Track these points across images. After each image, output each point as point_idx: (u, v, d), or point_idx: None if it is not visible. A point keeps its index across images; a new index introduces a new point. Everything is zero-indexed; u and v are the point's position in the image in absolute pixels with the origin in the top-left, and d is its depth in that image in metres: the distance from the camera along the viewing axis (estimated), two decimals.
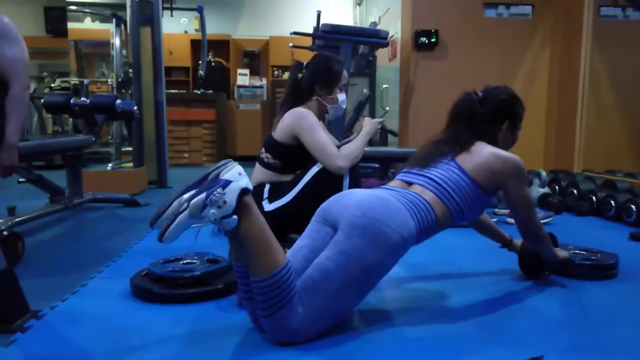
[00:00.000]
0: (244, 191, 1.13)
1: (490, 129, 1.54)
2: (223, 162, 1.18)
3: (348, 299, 1.23)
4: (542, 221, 2.68)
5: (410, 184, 1.44)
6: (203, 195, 1.09)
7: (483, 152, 1.46)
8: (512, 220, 2.71)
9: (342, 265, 1.19)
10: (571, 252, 1.86)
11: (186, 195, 1.10)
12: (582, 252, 1.86)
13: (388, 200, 1.30)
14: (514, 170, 1.45)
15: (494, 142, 1.52)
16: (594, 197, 2.97)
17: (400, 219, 1.26)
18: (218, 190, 1.09)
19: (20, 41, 1.95)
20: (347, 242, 1.20)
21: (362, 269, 1.20)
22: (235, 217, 1.12)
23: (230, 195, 1.10)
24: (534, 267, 1.73)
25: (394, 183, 1.49)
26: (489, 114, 1.54)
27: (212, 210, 1.09)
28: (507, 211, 2.84)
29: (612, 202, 2.80)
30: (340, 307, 1.23)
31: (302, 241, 1.33)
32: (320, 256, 1.22)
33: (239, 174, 1.15)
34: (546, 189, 3.24)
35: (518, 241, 1.78)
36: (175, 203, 1.10)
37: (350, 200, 1.29)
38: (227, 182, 1.11)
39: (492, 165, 1.44)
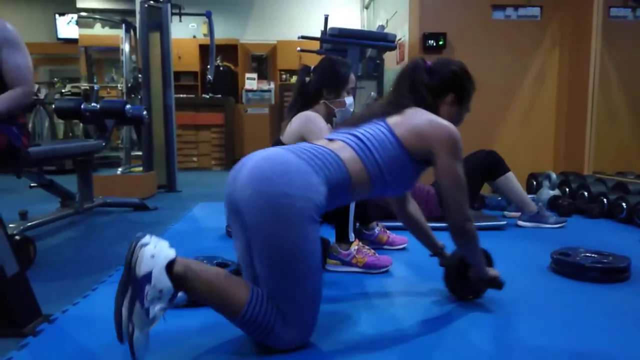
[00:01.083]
0: (169, 267, 1.07)
1: (433, 100, 1.42)
2: (132, 246, 1.08)
3: (305, 288, 1.15)
4: (555, 226, 2.72)
5: (332, 140, 1.32)
6: (137, 305, 1.04)
7: (417, 116, 1.35)
8: (523, 223, 2.69)
9: (270, 265, 1.13)
10: (582, 255, 1.85)
11: (125, 313, 1.05)
12: (593, 255, 1.85)
13: (286, 160, 1.16)
14: (447, 139, 1.30)
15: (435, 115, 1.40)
16: (605, 200, 2.94)
17: (301, 178, 1.13)
18: (146, 289, 1.04)
19: (23, 48, 1.98)
20: (256, 236, 1.12)
21: (288, 256, 1.11)
22: (179, 293, 1.10)
23: (160, 282, 1.05)
24: (459, 283, 1.55)
25: (320, 142, 1.34)
26: (434, 85, 1.43)
27: (157, 307, 1.04)
28: (517, 214, 2.82)
29: (624, 204, 2.77)
30: (307, 299, 1.16)
31: (237, 253, 1.27)
32: (256, 263, 1.16)
33: (152, 256, 1.06)
34: (556, 192, 3.21)
35: (450, 253, 1.63)
36: (124, 318, 1.05)
37: (243, 172, 1.16)
38: (149, 275, 1.04)
39: (423, 129, 1.31)
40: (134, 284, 1.05)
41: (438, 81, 1.43)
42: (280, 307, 1.14)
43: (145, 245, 1.08)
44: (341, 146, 1.27)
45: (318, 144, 1.30)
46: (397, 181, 1.32)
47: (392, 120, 1.34)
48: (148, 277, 1.04)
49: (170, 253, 1.09)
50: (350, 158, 1.24)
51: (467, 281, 1.52)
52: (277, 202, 1.09)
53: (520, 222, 2.72)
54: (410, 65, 1.46)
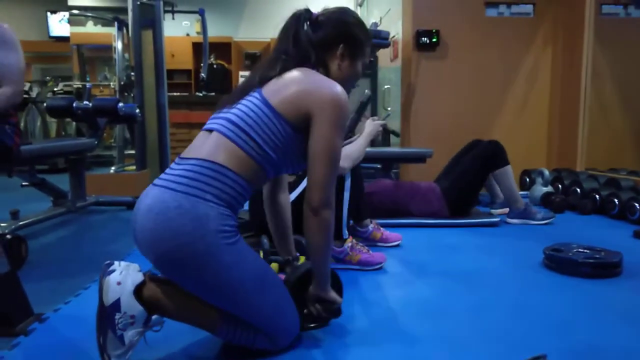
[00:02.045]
0: (137, 292, 1.05)
1: (319, 55, 1.23)
2: (99, 279, 1.07)
3: (262, 301, 1.11)
4: (542, 222, 2.73)
5: (210, 131, 1.17)
6: (110, 334, 1.02)
7: (295, 79, 1.16)
8: (512, 221, 2.70)
9: (215, 300, 1.09)
10: (574, 251, 1.86)
11: (101, 343, 1.04)
12: (586, 251, 1.86)
13: (164, 205, 1.03)
14: (328, 101, 1.12)
15: (325, 73, 1.24)
16: (597, 196, 2.95)
17: (187, 218, 1.02)
18: (116, 316, 1.02)
19: (17, 48, 1.96)
20: (186, 284, 1.08)
21: (226, 292, 1.07)
22: (153, 316, 1.08)
23: (130, 307, 1.03)
24: (296, 303, 1.21)
25: (199, 135, 1.20)
26: (319, 37, 1.24)
27: (130, 332, 1.03)
28: (504, 210, 2.83)
29: (616, 200, 2.79)
30: (272, 308, 1.13)
31: None
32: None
33: (118, 283, 1.04)
34: (549, 188, 3.23)
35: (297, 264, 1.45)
36: (101, 350, 1.04)
37: (137, 229, 1.07)
38: (117, 303, 1.02)
39: (301, 93, 1.13)
40: (104, 314, 1.03)
41: (324, 32, 1.25)
42: (251, 325, 1.12)
43: (110, 273, 1.06)
44: (216, 140, 1.12)
45: (194, 150, 1.15)
46: (287, 158, 1.17)
47: (269, 88, 1.17)
48: (117, 305, 1.03)
49: (138, 277, 1.07)
50: (230, 155, 1.10)
51: (303, 302, 1.27)
52: (178, 256, 1.02)
53: (508, 219, 2.73)
54: (292, 17, 1.26)
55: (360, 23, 1.31)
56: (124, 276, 1.05)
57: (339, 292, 1.34)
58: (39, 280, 1.80)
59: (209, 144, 1.13)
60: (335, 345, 1.22)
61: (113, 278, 1.05)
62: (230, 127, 1.13)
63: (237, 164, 1.10)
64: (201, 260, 1.03)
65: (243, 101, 1.18)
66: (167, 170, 1.13)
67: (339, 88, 1.15)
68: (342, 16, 1.28)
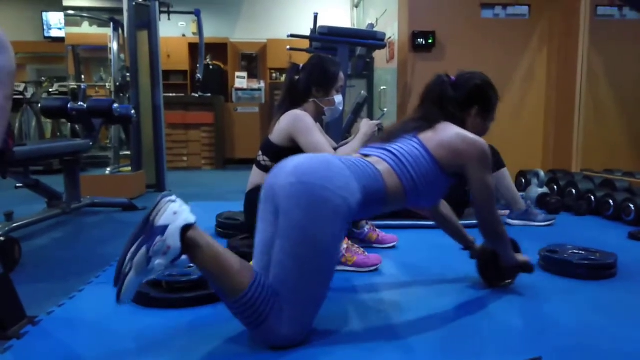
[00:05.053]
0: (185, 229, 1.10)
1: (459, 113, 1.51)
2: (158, 200, 1.13)
3: (316, 285, 1.17)
4: (543, 224, 2.74)
5: (367, 156, 1.40)
6: (143, 249, 1.06)
7: (448, 131, 1.42)
8: (512, 222, 2.71)
9: (291, 252, 1.13)
10: (569, 252, 1.86)
11: (129, 254, 1.07)
12: (581, 252, 1.86)
13: (330, 161, 1.23)
14: (478, 153, 1.40)
15: (462, 127, 1.47)
16: (592, 197, 2.96)
17: (342, 179, 1.19)
18: (157, 239, 1.07)
19: (8, 49, 1.93)
20: (287, 221, 1.14)
21: (311, 247, 1.13)
22: (184, 256, 1.10)
23: (172, 239, 1.07)
24: (493, 272, 1.65)
25: (354, 156, 1.41)
26: (460, 98, 1.51)
27: (157, 261, 1.07)
28: (504, 212, 2.83)
29: (611, 201, 2.80)
30: (314, 296, 1.18)
31: (257, 236, 1.29)
32: (275, 248, 1.17)
33: (174, 213, 1.10)
34: (545, 189, 3.24)
35: (480, 246, 1.73)
36: (127, 258, 1.07)
37: (288, 166, 1.22)
38: (164, 228, 1.08)
39: (455, 144, 1.39)
40: (148, 230, 1.08)
41: (463, 95, 1.51)
42: (284, 298, 1.13)
43: (172, 201, 1.12)
44: (377, 160, 1.35)
45: (355, 157, 1.35)
46: (430, 192, 1.42)
47: (424, 135, 1.42)
48: (163, 229, 1.07)
49: (191, 217, 1.11)
50: (386, 171, 1.32)
51: (500, 269, 1.61)
52: (315, 193, 1.13)
53: (509, 220, 2.73)
54: (436, 81, 1.53)
55: (492, 88, 1.56)
56: (182, 210, 1.11)
57: (519, 252, 1.64)
58: (32, 282, 1.79)
59: (369, 160, 1.35)
60: (329, 348, 1.21)
61: (173, 207, 1.11)
62: (391, 156, 1.36)
63: (388, 180, 1.31)
64: (326, 211, 1.13)
65: (402, 141, 1.41)
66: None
67: (483, 141, 1.42)
68: (477, 82, 1.54)
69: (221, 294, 1.15)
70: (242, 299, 1.11)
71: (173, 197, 1.13)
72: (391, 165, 1.33)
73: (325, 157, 1.27)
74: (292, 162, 1.22)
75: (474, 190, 1.43)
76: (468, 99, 1.52)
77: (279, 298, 1.14)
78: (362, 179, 1.24)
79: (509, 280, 1.66)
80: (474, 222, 2.62)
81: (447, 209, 1.76)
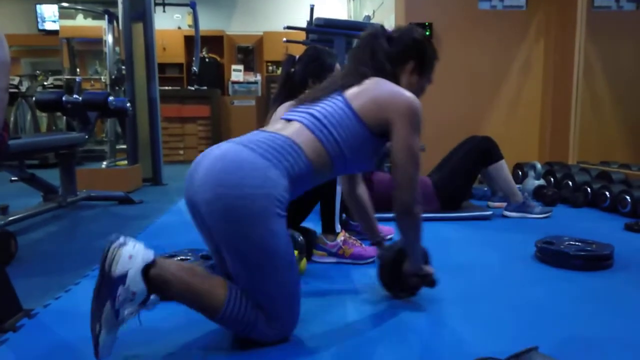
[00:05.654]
0: (146, 269, 1.04)
1: (393, 68, 1.36)
2: (107, 247, 1.05)
3: (279, 282, 1.13)
4: (540, 216, 2.74)
5: (290, 121, 1.27)
6: (108, 305, 1.01)
7: (376, 86, 1.28)
8: (509, 214, 2.71)
9: (241, 262, 1.11)
10: (566, 243, 1.86)
11: (95, 314, 1.02)
12: (577, 243, 1.87)
13: (239, 157, 1.11)
14: (406, 106, 1.24)
15: (395, 84, 1.34)
16: (589, 189, 2.97)
17: (257, 176, 1.08)
18: (119, 290, 1.01)
19: (1, 42, 1.92)
20: (221, 236, 1.10)
21: (256, 252, 1.09)
22: (152, 296, 1.06)
23: (135, 284, 1.02)
24: (393, 279, 1.48)
25: (278, 123, 1.30)
26: (394, 52, 1.36)
27: (126, 311, 1.02)
28: (502, 204, 2.84)
29: (607, 193, 2.81)
30: (283, 293, 1.14)
31: (207, 245, 1.27)
32: (226, 261, 1.15)
33: (129, 257, 1.03)
34: (541, 181, 3.25)
35: (388, 245, 1.59)
36: (94, 320, 1.02)
37: (199, 172, 1.13)
38: (123, 276, 1.01)
39: (381, 99, 1.25)
40: (107, 284, 1.02)
41: (398, 48, 1.37)
42: (260, 303, 1.13)
43: (123, 245, 1.05)
44: (297, 128, 1.22)
45: (275, 129, 1.24)
46: (358, 158, 1.27)
47: (350, 92, 1.28)
48: (123, 277, 1.01)
49: (148, 255, 1.06)
50: (308, 142, 1.19)
51: (400, 277, 1.46)
52: (236, 204, 1.06)
53: (506, 212, 2.74)
54: (369, 33, 1.38)
55: (430, 43, 1.42)
56: (137, 251, 1.05)
57: (427, 263, 1.48)
58: (28, 275, 1.78)
59: (290, 130, 1.22)
60: (326, 340, 1.22)
61: (126, 250, 1.04)
62: (313, 120, 1.23)
63: (312, 152, 1.19)
64: (254, 217, 1.07)
65: (325, 101, 1.28)
66: (244, 136, 1.21)
67: (414, 97, 1.27)
68: (414, 35, 1.39)
69: (204, 315, 1.13)
70: (224, 314, 1.10)
71: (122, 240, 1.06)
72: (313, 132, 1.20)
73: (234, 151, 1.13)
74: (202, 166, 1.13)
75: (394, 151, 1.25)
76: (403, 53, 1.37)
77: (257, 304, 1.13)
78: (282, 161, 1.13)
79: (404, 295, 1.48)
80: (466, 214, 2.65)
81: (365, 194, 1.60)
